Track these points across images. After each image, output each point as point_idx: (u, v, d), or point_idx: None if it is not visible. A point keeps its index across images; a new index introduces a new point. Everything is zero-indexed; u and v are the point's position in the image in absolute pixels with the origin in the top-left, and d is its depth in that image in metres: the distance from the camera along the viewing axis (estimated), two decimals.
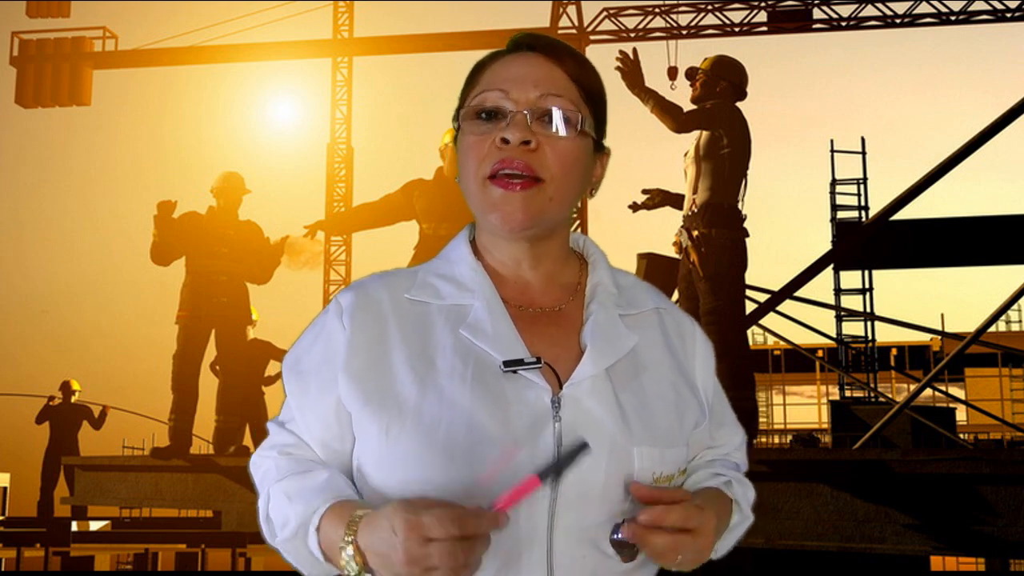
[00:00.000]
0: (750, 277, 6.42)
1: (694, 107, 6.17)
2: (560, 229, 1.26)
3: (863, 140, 14.68)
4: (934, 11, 15.84)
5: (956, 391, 18.68)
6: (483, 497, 1.08)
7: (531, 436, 1.12)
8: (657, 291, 1.33)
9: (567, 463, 1.08)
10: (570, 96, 1.21)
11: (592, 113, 1.24)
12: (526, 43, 1.25)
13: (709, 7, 16.33)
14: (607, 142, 1.28)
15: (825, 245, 17.85)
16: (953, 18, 15.79)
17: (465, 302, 1.21)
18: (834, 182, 14.45)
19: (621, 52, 5.90)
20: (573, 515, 1.12)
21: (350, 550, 1.08)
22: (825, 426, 16.19)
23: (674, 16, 16.44)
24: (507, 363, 1.14)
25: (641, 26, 16.70)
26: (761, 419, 17.75)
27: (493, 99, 1.20)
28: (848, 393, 14.12)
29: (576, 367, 1.17)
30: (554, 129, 1.19)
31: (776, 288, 7.31)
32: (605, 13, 16.89)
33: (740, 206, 6.11)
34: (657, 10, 16.60)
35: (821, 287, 18.10)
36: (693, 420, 1.24)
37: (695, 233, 6.00)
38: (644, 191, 6.66)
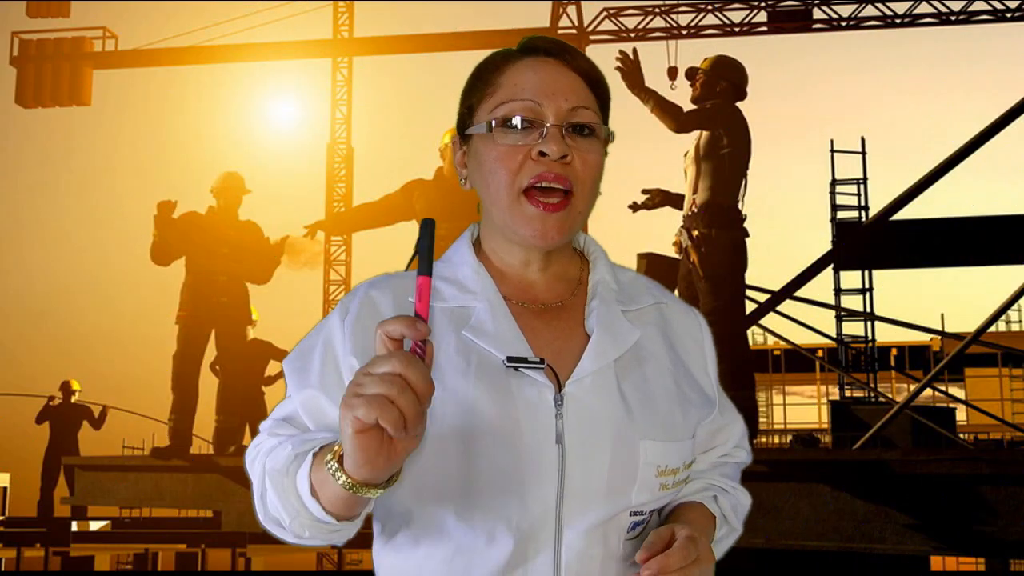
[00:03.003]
0: (750, 277, 6.43)
1: (694, 107, 6.17)
2: None
3: (863, 140, 14.64)
4: (934, 11, 15.84)
5: (956, 391, 18.67)
6: (488, 493, 1.10)
7: (533, 433, 1.13)
8: (657, 286, 1.34)
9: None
10: (594, 106, 1.25)
11: (605, 118, 1.27)
12: (543, 47, 1.26)
13: (709, 7, 16.33)
14: None
15: (825, 245, 17.85)
16: (953, 18, 15.79)
17: (468, 304, 1.21)
18: (834, 182, 14.42)
19: (621, 52, 5.90)
20: (580, 511, 1.12)
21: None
22: (825, 426, 16.19)
23: (674, 16, 16.44)
24: (510, 359, 1.15)
25: (641, 26, 16.70)
26: (761, 419, 17.75)
27: (527, 109, 1.21)
28: (848, 393, 14.09)
29: (578, 363, 1.18)
30: (584, 140, 1.22)
31: (776, 288, 7.31)
32: (605, 13, 16.89)
33: (740, 206, 6.11)
34: (657, 10, 16.59)
35: (821, 287, 18.08)
36: (697, 414, 1.24)
37: (695, 233, 6.00)
38: (644, 191, 6.67)
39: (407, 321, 0.98)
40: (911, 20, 15.97)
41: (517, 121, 1.21)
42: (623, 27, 16.82)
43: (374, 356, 0.98)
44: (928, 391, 9.59)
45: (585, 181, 1.21)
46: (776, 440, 20.43)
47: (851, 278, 14.15)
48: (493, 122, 1.22)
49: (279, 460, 1.12)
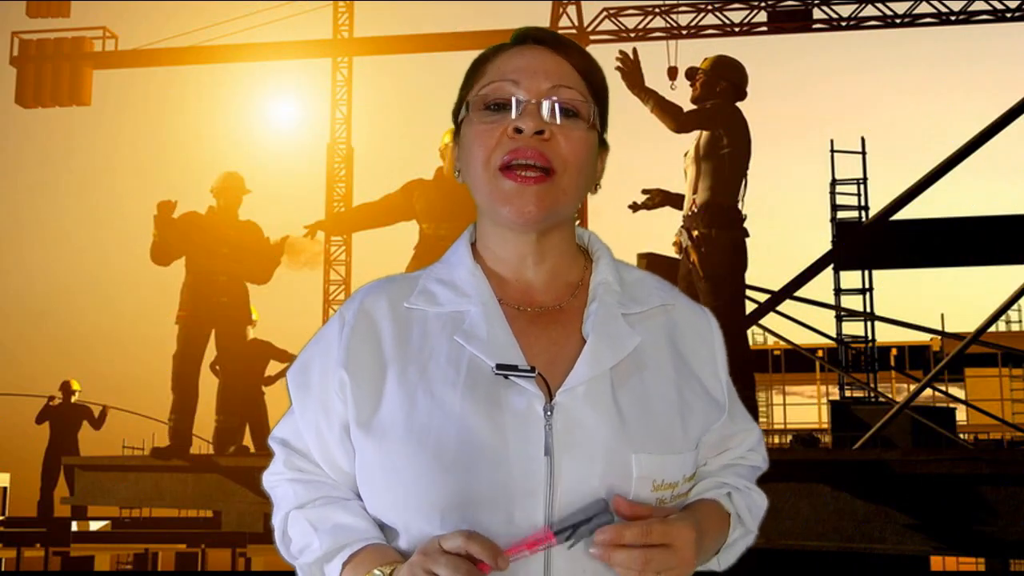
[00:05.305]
0: (750, 277, 6.43)
1: (694, 107, 6.17)
2: (567, 223, 1.23)
3: (863, 140, 14.65)
4: (934, 11, 15.84)
5: (956, 391, 18.66)
6: (475, 506, 1.08)
7: (521, 445, 1.09)
8: (667, 286, 1.28)
9: (585, 521, 1.06)
10: (580, 89, 1.20)
11: (598, 108, 1.22)
12: (532, 36, 1.23)
13: (709, 7, 16.32)
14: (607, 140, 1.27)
15: (825, 245, 17.84)
16: (953, 18, 15.79)
17: (462, 308, 1.18)
18: (834, 182, 14.43)
19: (621, 52, 5.90)
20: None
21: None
22: (825, 426, 16.19)
23: (674, 16, 16.44)
24: (500, 366, 1.12)
25: (641, 26, 16.70)
26: (761, 419, 17.75)
27: (503, 89, 1.18)
28: (848, 393, 14.10)
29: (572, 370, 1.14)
30: (567, 120, 1.18)
31: (776, 288, 7.32)
32: (605, 13, 16.89)
33: (740, 206, 6.12)
34: (657, 10, 16.59)
35: (821, 287, 18.06)
36: (700, 423, 1.19)
37: (695, 233, 6.01)
38: (644, 191, 6.67)
39: (490, 551, 1.03)
40: (911, 20, 15.97)
41: (495, 100, 1.18)
42: (623, 27, 16.81)
43: (432, 545, 1.06)
44: (928, 391, 9.60)
45: (569, 160, 1.16)
46: (776, 440, 20.43)
47: (851, 278, 14.16)
48: (471, 103, 1.20)
49: (308, 554, 1.18)
